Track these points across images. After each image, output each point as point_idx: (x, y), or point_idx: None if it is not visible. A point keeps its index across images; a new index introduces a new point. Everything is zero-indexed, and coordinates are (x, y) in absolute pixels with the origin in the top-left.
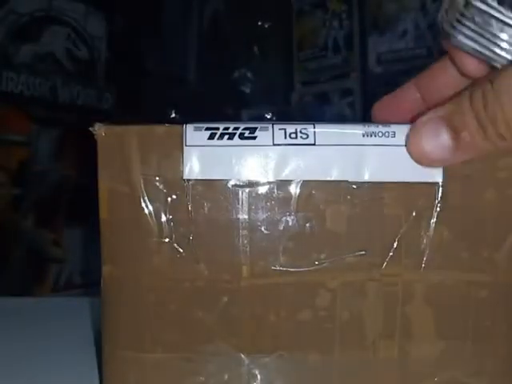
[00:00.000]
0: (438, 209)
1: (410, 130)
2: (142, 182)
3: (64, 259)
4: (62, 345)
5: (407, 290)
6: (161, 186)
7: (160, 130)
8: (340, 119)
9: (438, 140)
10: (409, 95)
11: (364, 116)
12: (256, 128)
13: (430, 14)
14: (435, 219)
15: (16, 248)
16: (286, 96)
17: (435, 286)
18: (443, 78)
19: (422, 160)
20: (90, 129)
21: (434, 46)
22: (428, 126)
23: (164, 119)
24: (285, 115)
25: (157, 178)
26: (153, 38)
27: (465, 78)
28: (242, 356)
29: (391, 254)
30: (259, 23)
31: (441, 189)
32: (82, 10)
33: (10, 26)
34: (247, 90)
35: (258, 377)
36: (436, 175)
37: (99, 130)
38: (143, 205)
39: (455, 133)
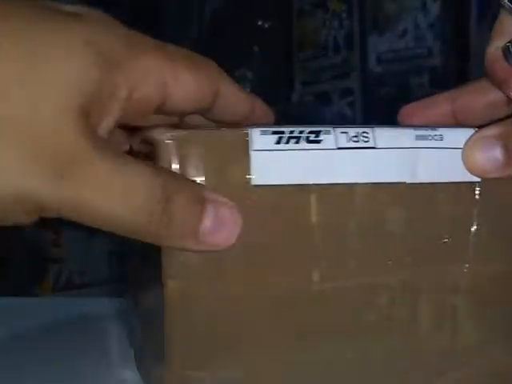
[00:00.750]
0: (479, 206)
1: (466, 143)
2: (211, 189)
3: (64, 259)
4: (61, 345)
5: (455, 284)
6: (231, 194)
7: (225, 134)
8: (340, 119)
9: (491, 155)
10: (440, 107)
11: (364, 116)
12: (320, 131)
13: (430, 13)
14: (476, 216)
15: (16, 248)
16: (286, 96)
17: (478, 279)
18: (483, 99)
19: (474, 171)
20: (149, 134)
21: (433, 46)
22: (484, 142)
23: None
24: (285, 115)
25: (224, 185)
26: (152, 38)
27: (506, 106)
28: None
29: (441, 250)
30: (259, 23)
31: (479, 188)
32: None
33: None
34: (247, 90)
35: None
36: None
37: (161, 135)
38: None
39: (507, 151)
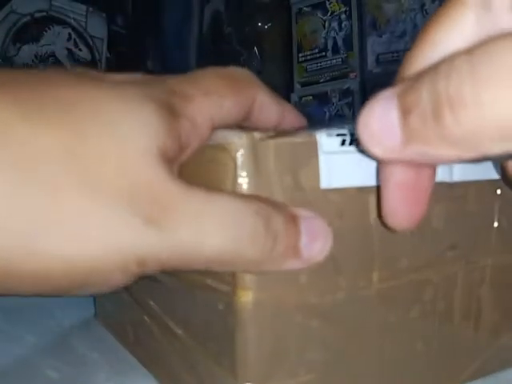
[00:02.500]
0: (500, 202)
1: (362, 109)
2: (282, 194)
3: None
4: (61, 344)
5: (481, 274)
6: (300, 198)
7: (296, 137)
8: (340, 120)
9: (386, 120)
10: None
11: None
12: None
13: (429, 14)
14: (497, 211)
15: None
16: (286, 96)
17: (499, 269)
18: None
19: (370, 144)
20: (215, 139)
21: None
22: (380, 103)
23: None
24: None
25: (296, 190)
26: (153, 38)
27: None
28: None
29: (471, 245)
30: (259, 24)
31: (500, 184)
32: (83, 11)
33: (10, 27)
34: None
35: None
36: (496, 173)
37: (234, 143)
38: None
39: (404, 114)
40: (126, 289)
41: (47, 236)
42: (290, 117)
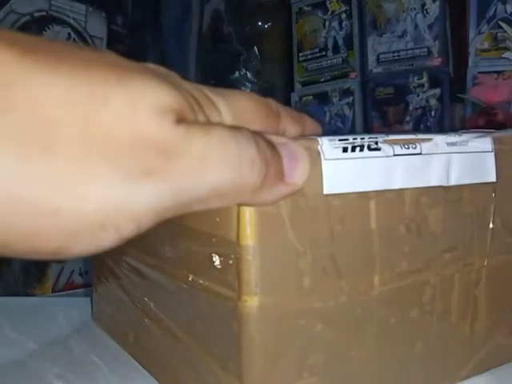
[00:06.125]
0: (494, 204)
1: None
2: (286, 201)
3: (64, 259)
4: (61, 344)
5: (477, 275)
6: (303, 204)
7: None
8: (340, 119)
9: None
10: None
11: (363, 116)
12: (377, 138)
13: (429, 14)
14: (493, 214)
15: None
16: (286, 96)
17: (493, 268)
18: None
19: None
20: None
21: (433, 47)
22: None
23: None
24: None
25: (299, 196)
26: (153, 38)
27: None
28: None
29: (468, 247)
30: (259, 23)
31: (495, 187)
32: (83, 10)
33: (10, 26)
34: (247, 90)
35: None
36: (491, 176)
37: None
38: (288, 225)
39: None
40: (125, 291)
41: (40, 188)
42: (309, 130)
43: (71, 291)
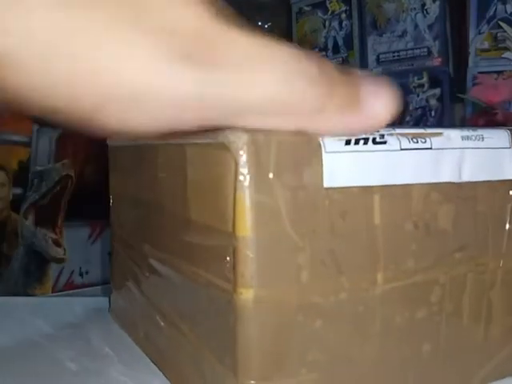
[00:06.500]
0: (511, 203)
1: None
2: (284, 193)
3: (64, 259)
4: (61, 344)
5: (492, 276)
6: (302, 197)
7: (298, 136)
8: None
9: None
10: None
11: None
12: (384, 133)
13: (429, 14)
14: (509, 212)
15: (16, 248)
16: None
17: (510, 271)
18: None
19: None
20: (219, 137)
21: (433, 47)
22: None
23: None
24: None
25: (298, 189)
26: None
27: None
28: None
29: (482, 247)
30: (259, 23)
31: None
32: None
33: None
34: None
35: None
36: (509, 173)
37: (235, 141)
38: (286, 218)
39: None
40: (138, 286)
41: (83, 43)
42: None
43: (71, 291)
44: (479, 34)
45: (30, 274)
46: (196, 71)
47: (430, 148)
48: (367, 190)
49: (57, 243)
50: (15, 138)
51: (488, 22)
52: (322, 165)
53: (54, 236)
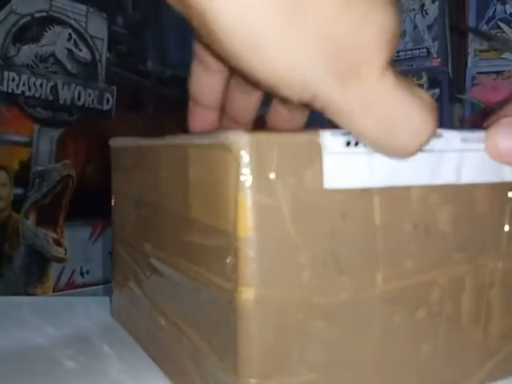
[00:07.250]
0: (511, 204)
1: (488, 132)
2: (285, 194)
3: (65, 259)
4: (61, 344)
5: (491, 277)
6: (303, 197)
7: (299, 137)
8: None
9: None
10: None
11: None
12: None
13: (428, 15)
14: (509, 214)
15: (17, 248)
16: None
17: (509, 272)
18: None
19: (498, 158)
20: (220, 137)
21: (432, 47)
22: (503, 129)
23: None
24: None
25: (299, 190)
26: (153, 38)
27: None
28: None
29: (481, 248)
30: None
31: (511, 187)
32: (83, 11)
33: (10, 27)
34: None
35: None
36: (508, 175)
37: (237, 142)
38: (287, 218)
39: None
40: (140, 285)
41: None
42: None
43: (72, 291)
44: None
45: (30, 273)
46: (339, 85)
47: (430, 150)
48: (367, 191)
49: (58, 243)
50: (16, 138)
51: (487, 23)
52: (322, 166)
53: (54, 236)
